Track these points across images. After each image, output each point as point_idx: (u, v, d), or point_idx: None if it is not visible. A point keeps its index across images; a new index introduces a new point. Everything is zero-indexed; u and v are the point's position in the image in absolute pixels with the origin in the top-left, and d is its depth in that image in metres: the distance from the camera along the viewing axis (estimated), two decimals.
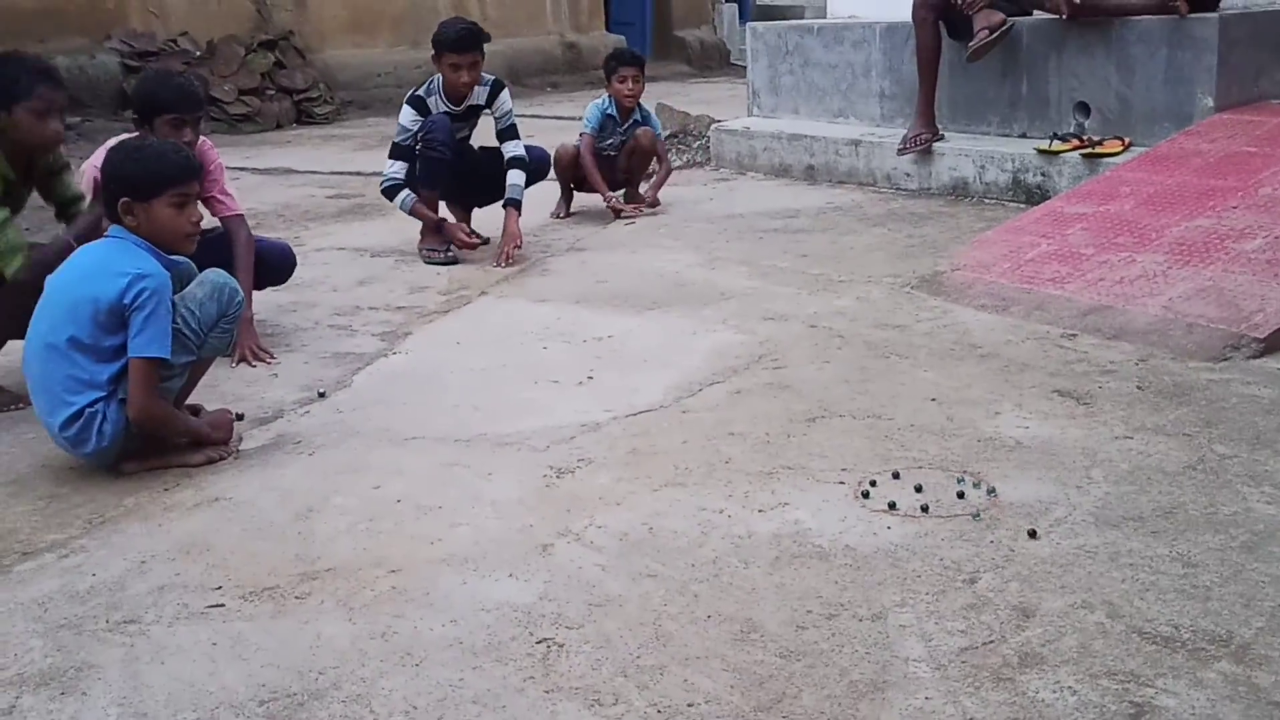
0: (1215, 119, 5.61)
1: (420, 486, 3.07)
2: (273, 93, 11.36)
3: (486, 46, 5.60)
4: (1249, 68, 5.78)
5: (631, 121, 6.66)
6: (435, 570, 2.61)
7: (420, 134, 5.52)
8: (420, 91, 5.63)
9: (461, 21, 5.63)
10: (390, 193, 5.60)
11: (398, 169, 5.55)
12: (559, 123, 10.34)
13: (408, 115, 5.56)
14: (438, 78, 5.61)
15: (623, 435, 3.37)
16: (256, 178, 8.29)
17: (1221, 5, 5.96)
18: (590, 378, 3.88)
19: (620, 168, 6.68)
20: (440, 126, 5.49)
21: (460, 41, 5.47)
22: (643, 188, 6.79)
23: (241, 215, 4.38)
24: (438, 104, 5.59)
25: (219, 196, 4.32)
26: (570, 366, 3.99)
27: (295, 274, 4.70)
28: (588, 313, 4.64)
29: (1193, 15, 5.68)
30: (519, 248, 5.58)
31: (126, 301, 3.08)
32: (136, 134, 4.16)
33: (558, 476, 3.10)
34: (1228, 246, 4.35)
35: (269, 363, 4.18)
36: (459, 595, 2.50)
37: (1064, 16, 6.00)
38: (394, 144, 5.59)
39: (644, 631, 2.33)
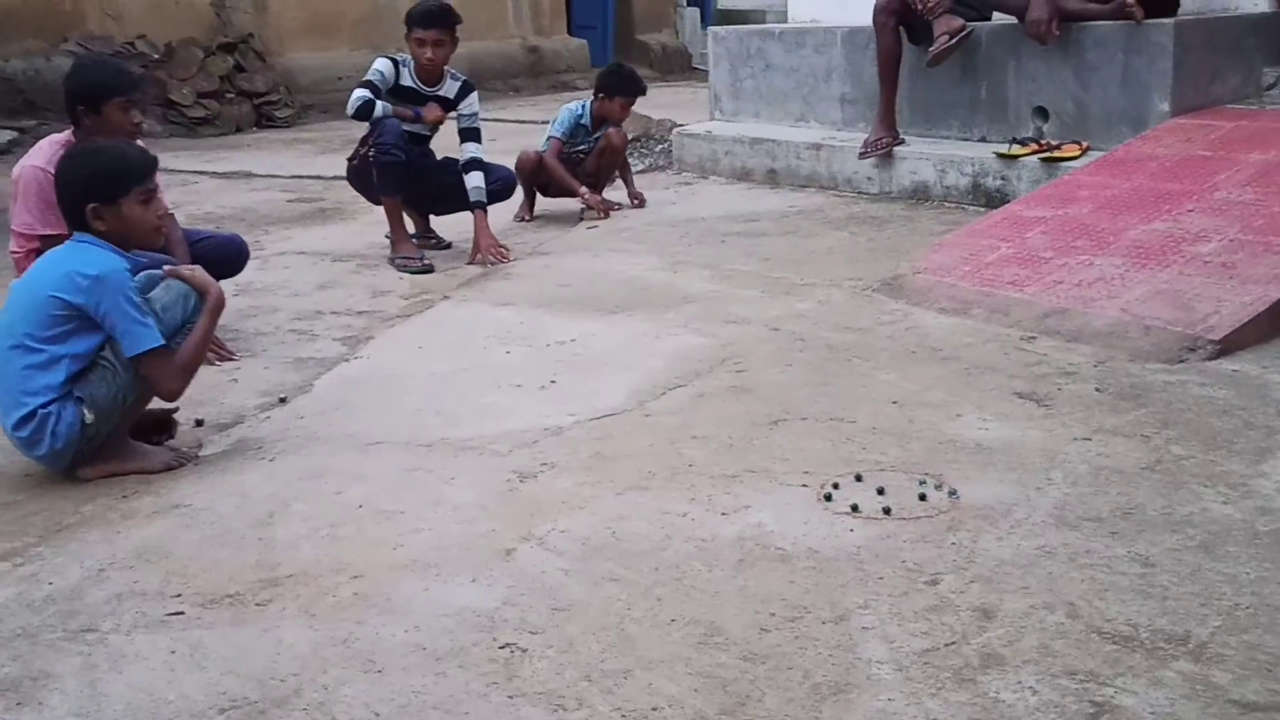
0: (1171, 123, 5.67)
1: (382, 492, 3.05)
2: (232, 96, 11.28)
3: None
4: (1204, 72, 5.84)
5: (603, 128, 6.67)
6: (397, 576, 2.60)
7: (372, 139, 5.49)
8: (395, 56, 5.63)
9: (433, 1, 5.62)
10: (365, 110, 5.44)
11: (365, 91, 5.46)
12: (521, 126, 10.33)
13: (383, 62, 5.56)
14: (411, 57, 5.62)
15: (585, 439, 3.36)
16: (216, 182, 8.22)
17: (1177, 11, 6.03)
18: (553, 381, 3.87)
19: (587, 170, 6.67)
20: (391, 130, 5.44)
21: (426, 16, 5.52)
22: (611, 194, 6.78)
23: (171, 214, 4.35)
24: (408, 76, 5.57)
25: None
26: (533, 370, 3.98)
27: (255, 278, 4.67)
28: (550, 316, 4.63)
29: (1149, 21, 5.74)
30: (506, 250, 5.61)
31: (87, 306, 3.08)
32: (69, 131, 4.13)
33: (520, 481, 3.09)
34: (1184, 249, 4.39)
35: (233, 359, 4.17)
36: (421, 601, 2.49)
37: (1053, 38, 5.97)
38: (364, 79, 5.54)
39: (607, 636, 2.33)
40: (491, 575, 2.59)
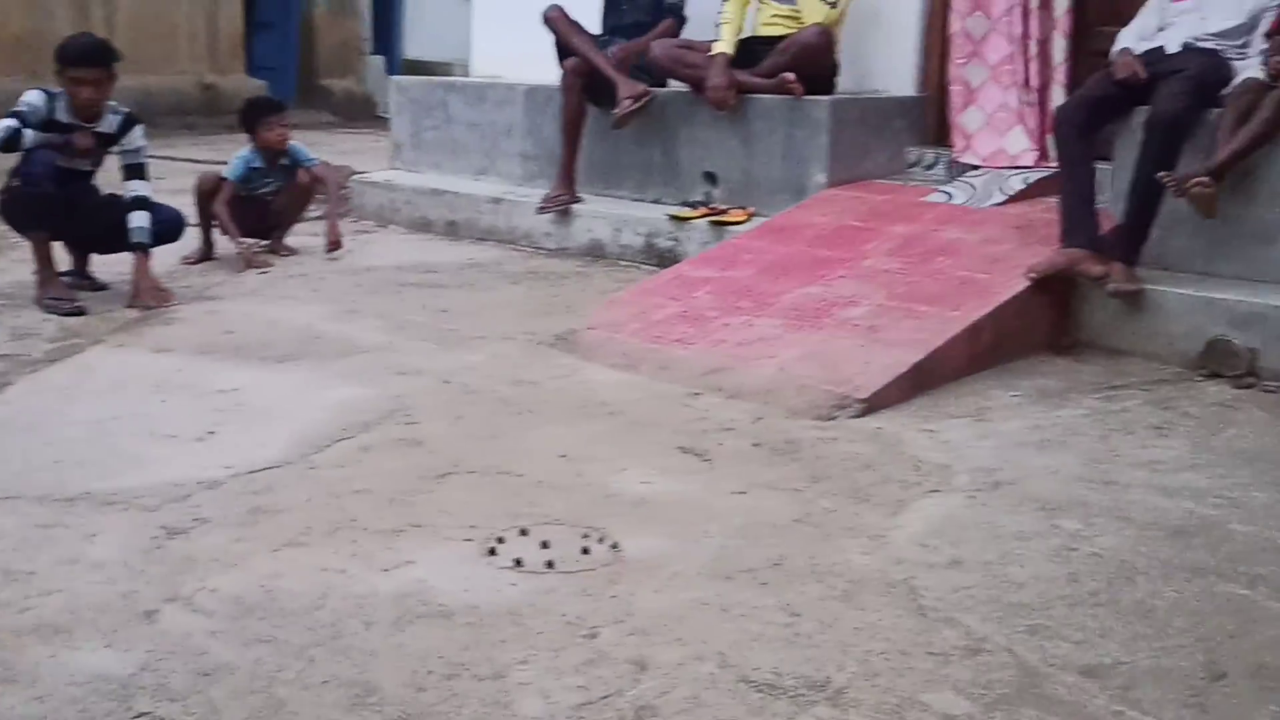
0: (826, 194, 6.03)
1: (11, 550, 2.82)
2: None
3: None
4: (856, 148, 6.25)
5: (280, 166, 6.50)
6: (21, 642, 2.40)
7: (20, 169, 5.13)
8: (50, 89, 5.24)
9: (87, 35, 5.30)
10: (12, 141, 5.05)
11: (12, 121, 5.05)
12: (195, 166, 9.89)
13: (35, 95, 5.15)
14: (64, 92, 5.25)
15: (243, 493, 3.23)
16: None
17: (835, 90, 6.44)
18: (211, 432, 3.70)
19: (275, 209, 6.54)
20: (40, 161, 5.10)
21: (83, 55, 5.19)
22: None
23: None
24: (64, 110, 5.20)
25: None
26: (190, 420, 3.79)
27: None
28: (213, 364, 4.44)
29: (808, 97, 6.11)
30: (168, 293, 5.36)
31: None
32: None
33: (169, 537, 2.93)
34: (835, 313, 4.67)
35: None
36: (47, 669, 2.30)
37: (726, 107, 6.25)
38: (13, 110, 5.12)
39: (254, 700, 2.22)
40: (130, 639, 2.43)
